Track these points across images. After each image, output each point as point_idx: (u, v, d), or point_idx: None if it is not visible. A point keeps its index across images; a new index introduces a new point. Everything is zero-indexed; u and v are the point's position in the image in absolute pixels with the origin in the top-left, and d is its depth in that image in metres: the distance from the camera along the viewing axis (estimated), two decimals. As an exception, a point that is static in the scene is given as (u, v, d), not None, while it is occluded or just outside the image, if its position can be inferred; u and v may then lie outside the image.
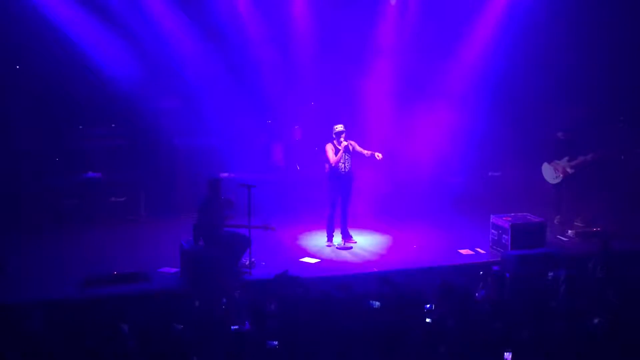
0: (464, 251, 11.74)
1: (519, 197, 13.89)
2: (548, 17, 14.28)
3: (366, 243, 12.25)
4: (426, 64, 14.54)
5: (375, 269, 10.91)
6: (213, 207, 10.71)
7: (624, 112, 14.56)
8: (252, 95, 14.48)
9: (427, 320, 7.50)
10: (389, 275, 9.63)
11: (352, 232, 12.28)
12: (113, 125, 14.18)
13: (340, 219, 12.14)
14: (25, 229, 12.37)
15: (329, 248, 11.98)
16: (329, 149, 11.86)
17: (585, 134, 13.50)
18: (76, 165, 13.68)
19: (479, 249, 11.82)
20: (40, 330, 7.52)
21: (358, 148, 11.91)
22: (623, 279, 8.85)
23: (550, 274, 9.11)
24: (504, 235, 11.54)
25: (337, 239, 12.13)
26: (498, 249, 11.62)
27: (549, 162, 13.15)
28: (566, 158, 13.00)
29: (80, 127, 13.95)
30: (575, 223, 12.82)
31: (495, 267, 9.76)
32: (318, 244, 12.14)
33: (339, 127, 11.83)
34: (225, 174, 13.43)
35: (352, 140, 11.89)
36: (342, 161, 11.84)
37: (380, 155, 11.78)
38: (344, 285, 8.61)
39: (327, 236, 12.13)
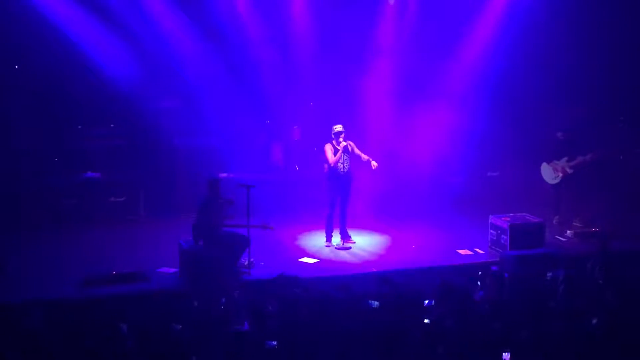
0: (462, 251, 11.75)
1: (517, 198, 13.88)
2: (548, 17, 14.27)
3: (365, 243, 12.26)
4: (425, 64, 14.54)
5: (375, 269, 10.92)
6: (212, 207, 10.72)
7: (623, 113, 14.55)
8: (252, 95, 14.48)
9: (426, 321, 7.50)
10: (388, 275, 9.64)
11: (351, 232, 12.29)
12: (112, 125, 14.18)
13: (339, 219, 12.15)
14: (24, 229, 12.37)
15: (327, 248, 11.99)
16: (328, 149, 11.87)
17: (585, 134, 13.50)
18: (76, 165, 13.68)
19: (477, 249, 11.83)
20: (39, 329, 7.52)
21: (357, 150, 11.93)
22: (622, 279, 8.85)
23: (549, 274, 9.11)
24: (502, 236, 11.55)
25: (336, 239, 12.13)
26: (497, 249, 11.63)
27: (548, 163, 13.15)
28: (565, 158, 13.00)
29: (80, 127, 13.96)
30: (574, 223, 12.82)
31: (494, 267, 9.78)
32: (317, 244, 12.15)
33: (338, 128, 11.84)
34: (225, 174, 13.43)
35: (350, 141, 11.91)
36: (341, 161, 11.84)
37: (375, 164, 11.87)
38: (343, 286, 8.61)
39: (326, 236, 12.14)
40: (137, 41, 13.72)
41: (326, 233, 12.15)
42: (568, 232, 12.51)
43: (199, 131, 14.33)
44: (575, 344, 7.03)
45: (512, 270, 9.97)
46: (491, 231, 11.86)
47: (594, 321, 7.42)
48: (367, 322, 7.36)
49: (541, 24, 14.33)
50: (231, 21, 14.25)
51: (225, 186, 11.31)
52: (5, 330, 7.45)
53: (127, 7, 13.49)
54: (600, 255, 9.86)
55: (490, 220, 11.91)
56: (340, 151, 11.78)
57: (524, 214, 12.06)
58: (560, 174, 13.01)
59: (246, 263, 10.69)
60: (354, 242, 12.18)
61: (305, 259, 11.43)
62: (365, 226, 13.00)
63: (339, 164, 11.85)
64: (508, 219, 11.70)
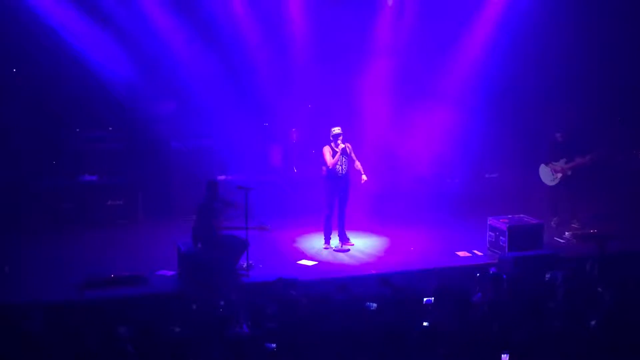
0: (461, 253, 11.75)
1: (516, 199, 13.88)
2: (545, 18, 14.29)
3: (363, 245, 12.26)
4: (423, 65, 14.56)
5: (373, 271, 10.92)
6: (211, 210, 10.71)
7: (621, 114, 14.58)
8: (250, 97, 14.48)
9: (425, 324, 7.50)
10: (387, 277, 9.64)
11: (349, 234, 12.29)
12: (110, 128, 14.16)
13: (337, 221, 12.16)
14: (23, 232, 12.34)
15: (326, 250, 11.99)
16: (327, 151, 11.88)
17: (583, 136, 13.52)
18: (74, 168, 13.66)
19: (476, 251, 11.83)
20: (39, 332, 7.52)
21: (353, 155, 11.94)
22: (620, 280, 8.85)
23: (547, 275, 9.13)
24: (501, 237, 11.57)
25: (335, 241, 12.14)
26: (495, 250, 11.64)
27: (547, 164, 13.17)
28: (563, 160, 13.01)
29: (78, 130, 13.94)
30: (573, 225, 12.85)
31: (493, 269, 9.78)
32: (315, 246, 12.15)
33: (336, 130, 11.86)
34: (223, 177, 13.43)
35: (349, 143, 11.92)
36: (339, 163, 11.85)
37: (365, 178, 11.96)
38: (341, 288, 8.62)
39: (325, 238, 12.14)
40: (134, 44, 13.71)
41: (324, 235, 12.15)
42: (566, 233, 12.52)
43: (197, 134, 14.31)
44: (574, 345, 7.04)
45: (511, 272, 9.97)
46: (490, 233, 11.87)
47: (593, 322, 7.43)
48: (366, 324, 7.37)
49: (539, 25, 14.35)
50: (229, 24, 14.25)
51: (224, 188, 11.30)
52: (5, 332, 7.44)
53: (125, 10, 13.49)
54: (598, 256, 9.88)
55: (488, 222, 11.92)
56: (338, 153, 11.79)
57: (522, 215, 12.08)
58: (559, 176, 13.03)
59: (245, 265, 10.69)
60: (353, 244, 12.18)
61: (304, 261, 11.44)
62: (363, 228, 13.01)
63: (337, 166, 11.86)
64: (506, 220, 11.71)
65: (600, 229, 12.50)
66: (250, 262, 10.76)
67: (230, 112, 14.21)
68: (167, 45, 14.00)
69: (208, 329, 7.45)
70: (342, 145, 11.79)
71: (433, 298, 8.28)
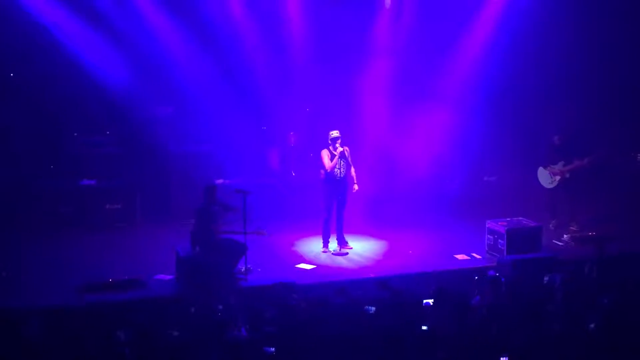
0: (459, 256, 11.74)
1: (514, 202, 13.89)
2: (544, 20, 14.30)
3: (362, 249, 12.25)
4: (422, 68, 14.58)
5: (372, 275, 10.91)
6: (209, 214, 10.70)
7: (620, 115, 14.57)
8: (247, 101, 14.49)
9: (424, 328, 7.49)
10: (386, 280, 9.62)
11: (347, 238, 12.28)
12: (108, 132, 14.17)
13: (335, 225, 12.15)
14: (21, 236, 12.33)
15: (324, 254, 11.98)
16: (325, 154, 11.87)
17: (581, 138, 13.52)
18: (72, 172, 13.66)
19: (474, 254, 11.82)
20: (36, 336, 7.50)
21: (349, 160, 11.93)
22: (618, 282, 8.85)
23: (546, 278, 9.11)
24: (499, 240, 11.56)
25: (333, 244, 12.13)
26: (494, 253, 11.63)
27: (545, 167, 13.17)
28: (562, 162, 13.01)
29: (76, 134, 13.95)
30: (571, 227, 12.85)
31: (491, 272, 9.76)
32: (314, 250, 12.14)
33: (335, 133, 11.85)
34: (221, 180, 13.42)
35: (347, 146, 11.91)
36: (337, 167, 11.85)
37: (356, 187, 11.96)
38: (340, 291, 8.60)
39: (323, 242, 12.13)
40: (132, 47, 13.73)
41: (323, 239, 12.14)
42: (565, 236, 12.51)
43: (195, 137, 14.32)
44: (573, 348, 7.03)
45: (509, 275, 9.97)
46: (488, 236, 11.86)
47: (592, 325, 7.42)
48: (365, 328, 7.35)
49: (538, 27, 14.36)
50: (227, 27, 14.26)
51: (222, 192, 11.29)
52: (3, 337, 7.43)
53: (122, 14, 13.51)
54: (597, 259, 9.87)
55: (487, 225, 11.91)
56: (336, 157, 11.79)
57: (520, 218, 12.08)
58: (557, 178, 13.03)
59: (243, 269, 10.67)
60: (351, 248, 12.17)
61: (303, 265, 11.42)
62: (362, 231, 12.99)
63: (336, 170, 11.85)
64: (505, 223, 11.71)
65: (599, 232, 12.48)
66: (249, 265, 10.75)
67: (228, 115, 14.22)
68: (165, 49, 14.03)
69: (206, 333, 7.44)
70: (340, 149, 11.79)
71: (432, 300, 8.27)
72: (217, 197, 10.86)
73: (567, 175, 12.97)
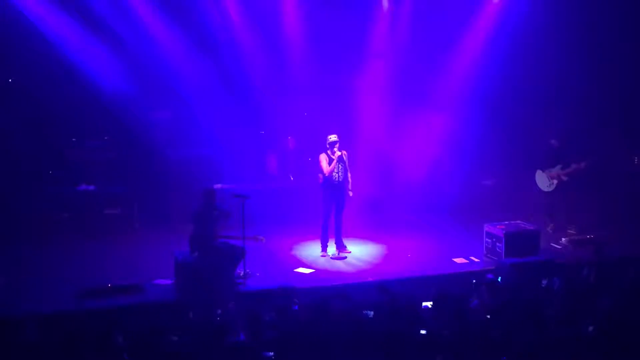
0: (458, 260, 11.74)
1: (512, 205, 13.89)
2: (542, 24, 14.31)
3: (360, 252, 12.25)
4: (419, 71, 14.59)
5: (371, 279, 10.91)
6: (207, 218, 10.70)
7: (618, 119, 14.59)
8: (245, 105, 14.50)
9: (423, 332, 7.49)
10: (384, 284, 9.63)
11: (346, 242, 12.29)
12: (106, 137, 14.17)
13: (334, 229, 12.15)
14: (19, 241, 12.32)
15: (323, 258, 11.97)
16: (323, 159, 11.88)
17: (579, 141, 13.54)
18: (70, 177, 13.66)
19: (473, 258, 11.82)
20: (35, 342, 7.50)
21: (347, 164, 11.94)
22: (617, 285, 8.86)
23: (544, 281, 9.13)
24: (498, 244, 11.57)
25: (332, 249, 12.13)
26: (492, 257, 11.64)
27: (543, 170, 13.19)
28: (559, 166, 13.03)
29: (74, 139, 13.95)
30: (569, 230, 12.87)
31: (490, 275, 9.78)
32: (312, 254, 12.13)
33: (333, 138, 11.86)
34: (219, 185, 13.42)
35: (345, 150, 11.92)
36: (335, 171, 11.86)
37: (351, 194, 12.00)
38: (339, 295, 8.60)
39: (322, 246, 12.13)
40: (130, 53, 13.75)
41: (321, 243, 12.14)
42: (563, 239, 12.53)
43: (193, 142, 14.33)
44: (572, 350, 7.03)
45: (508, 278, 9.98)
46: (486, 239, 11.87)
47: (590, 328, 7.43)
48: (365, 331, 7.35)
49: (536, 30, 14.36)
50: (224, 32, 14.29)
51: (220, 197, 11.29)
52: (2, 343, 7.42)
53: (121, 20, 13.53)
54: (595, 262, 9.88)
55: (485, 228, 11.92)
56: (335, 161, 11.80)
57: (518, 221, 12.08)
58: (555, 182, 13.04)
59: (242, 274, 10.67)
60: (350, 252, 12.17)
61: (301, 269, 11.41)
62: (360, 235, 13.00)
63: (334, 174, 11.86)
64: (503, 227, 11.72)
65: (597, 235, 12.50)
66: (248, 270, 10.74)
67: (226, 120, 14.24)
68: (163, 54, 14.03)
69: (205, 337, 7.43)
70: (338, 153, 11.80)
71: (430, 303, 8.28)
72: (215, 202, 10.86)
73: (565, 179, 12.99)
